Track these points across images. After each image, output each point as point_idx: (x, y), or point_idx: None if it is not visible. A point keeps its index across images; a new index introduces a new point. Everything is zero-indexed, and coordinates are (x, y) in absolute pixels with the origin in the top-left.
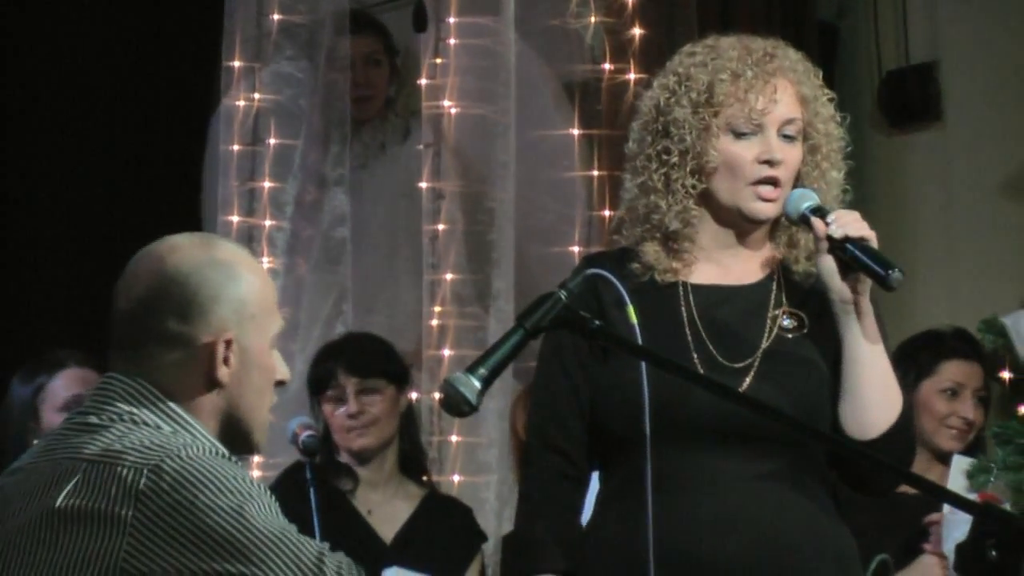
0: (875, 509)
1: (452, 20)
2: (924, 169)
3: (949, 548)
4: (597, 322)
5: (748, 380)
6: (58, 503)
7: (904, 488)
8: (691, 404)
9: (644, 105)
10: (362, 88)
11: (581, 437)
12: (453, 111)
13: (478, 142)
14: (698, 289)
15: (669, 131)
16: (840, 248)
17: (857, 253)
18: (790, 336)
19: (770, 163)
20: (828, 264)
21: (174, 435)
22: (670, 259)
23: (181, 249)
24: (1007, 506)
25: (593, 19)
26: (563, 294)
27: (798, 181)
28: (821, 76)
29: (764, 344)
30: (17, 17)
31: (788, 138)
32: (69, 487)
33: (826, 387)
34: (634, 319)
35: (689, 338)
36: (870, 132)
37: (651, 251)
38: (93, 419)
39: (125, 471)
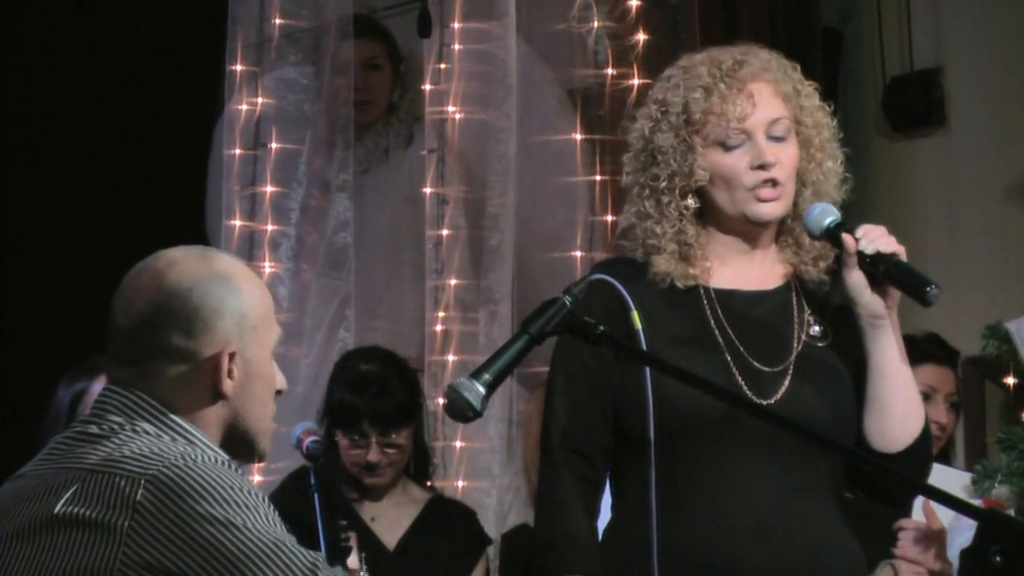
0: (854, 513)
1: (456, 25)
2: (928, 175)
3: (954, 554)
4: (601, 327)
5: (786, 384)
6: (57, 509)
7: None
8: (720, 409)
9: (632, 137)
10: (361, 93)
11: (604, 442)
12: (457, 116)
13: (482, 147)
14: (720, 293)
15: (656, 158)
16: (871, 264)
17: (893, 270)
18: (818, 344)
19: (764, 167)
20: (858, 279)
21: (174, 443)
22: (684, 267)
23: (179, 263)
24: (1011, 512)
25: (596, 24)
26: (568, 299)
27: (798, 177)
28: (799, 69)
29: (796, 349)
30: (19, 21)
31: (778, 139)
32: (68, 495)
33: (853, 398)
34: (639, 325)
35: (721, 341)
36: (874, 137)
37: (661, 263)
38: (94, 429)
39: (123, 481)
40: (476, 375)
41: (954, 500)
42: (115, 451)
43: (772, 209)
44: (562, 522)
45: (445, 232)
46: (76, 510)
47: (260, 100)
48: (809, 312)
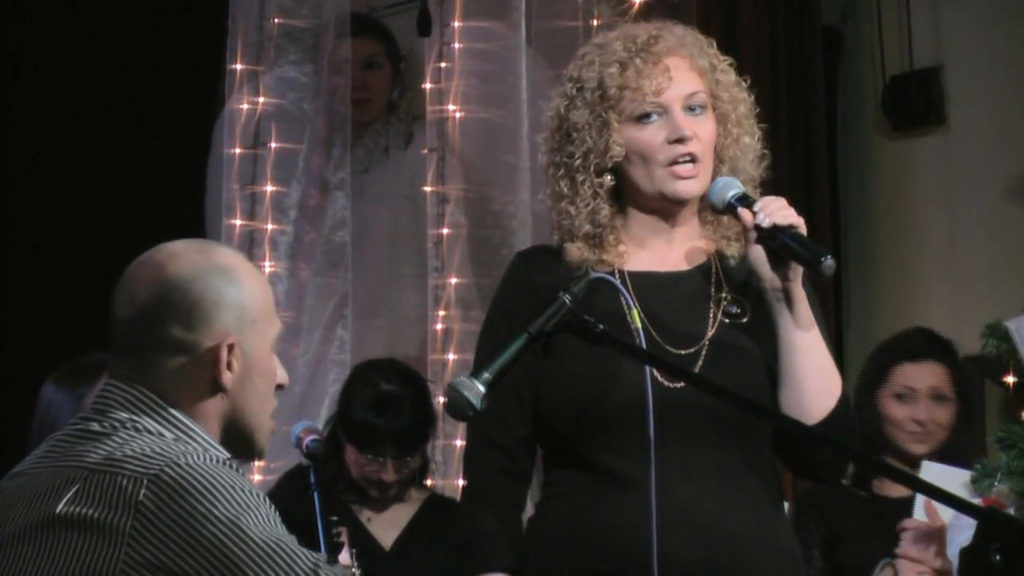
0: (857, 512)
1: (456, 24)
2: (928, 174)
3: (953, 553)
4: (601, 326)
5: (698, 366)
6: (58, 510)
7: (887, 491)
8: (639, 400)
9: (546, 116)
10: (359, 91)
11: (522, 433)
12: (457, 115)
13: (483, 146)
14: (635, 276)
15: (571, 135)
16: (769, 237)
17: (787, 242)
18: (734, 323)
19: (680, 140)
20: (757, 254)
21: (176, 442)
22: (598, 254)
23: (181, 256)
24: (1011, 510)
25: (597, 22)
26: (567, 299)
27: (715, 153)
28: (715, 45)
29: (710, 332)
30: (18, 20)
31: (694, 111)
32: (70, 495)
33: (767, 375)
34: (638, 323)
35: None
36: (874, 137)
37: (574, 251)
38: (95, 426)
39: (125, 481)
40: (476, 374)
41: (953, 499)
42: (116, 450)
43: (690, 187)
44: (477, 518)
45: (445, 231)
46: (78, 510)
47: (260, 99)
48: (727, 290)
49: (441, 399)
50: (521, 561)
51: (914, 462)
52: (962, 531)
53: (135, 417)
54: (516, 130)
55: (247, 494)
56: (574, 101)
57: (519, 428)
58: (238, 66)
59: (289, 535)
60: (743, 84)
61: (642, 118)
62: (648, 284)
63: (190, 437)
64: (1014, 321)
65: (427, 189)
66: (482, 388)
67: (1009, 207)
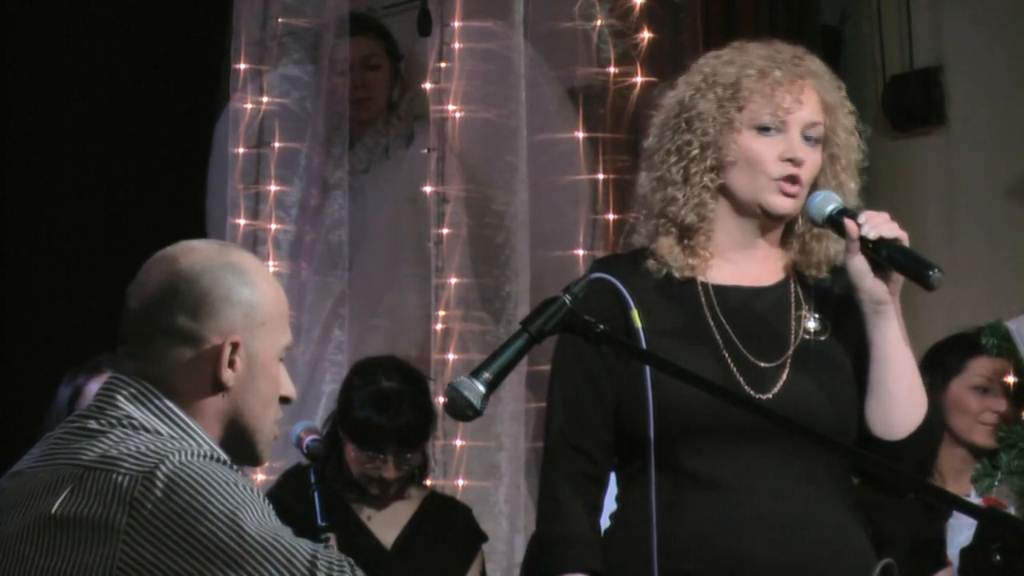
0: (907, 515)
1: (457, 24)
2: (928, 173)
3: (954, 553)
4: (601, 326)
5: (784, 378)
6: (54, 509)
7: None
8: (718, 403)
9: (667, 102)
10: (359, 90)
11: (604, 437)
12: (458, 115)
13: (484, 146)
14: (719, 288)
15: (692, 124)
16: (874, 249)
17: (895, 255)
18: (815, 338)
19: (793, 161)
20: (860, 265)
21: (172, 440)
22: (686, 256)
23: (196, 251)
24: (1012, 510)
25: (599, 22)
26: (568, 298)
27: (813, 188)
28: (844, 89)
29: (793, 345)
30: (22, 19)
31: (809, 141)
32: (65, 493)
33: (854, 389)
34: (638, 323)
35: (718, 337)
36: (874, 136)
37: (666, 246)
38: (92, 424)
39: (120, 478)
40: (476, 374)
41: (954, 499)
42: (112, 448)
43: (787, 205)
44: (561, 520)
45: (446, 231)
46: (73, 509)
47: (264, 98)
48: (807, 307)
49: (441, 399)
50: (600, 563)
51: (977, 453)
52: (962, 531)
53: (134, 413)
54: (516, 130)
55: (242, 489)
56: (703, 92)
57: (601, 431)
58: (242, 65)
59: (285, 527)
60: (858, 134)
61: (762, 129)
62: (732, 297)
63: (187, 434)
64: (1014, 321)
65: (427, 189)
66: (482, 388)
67: (1009, 207)
